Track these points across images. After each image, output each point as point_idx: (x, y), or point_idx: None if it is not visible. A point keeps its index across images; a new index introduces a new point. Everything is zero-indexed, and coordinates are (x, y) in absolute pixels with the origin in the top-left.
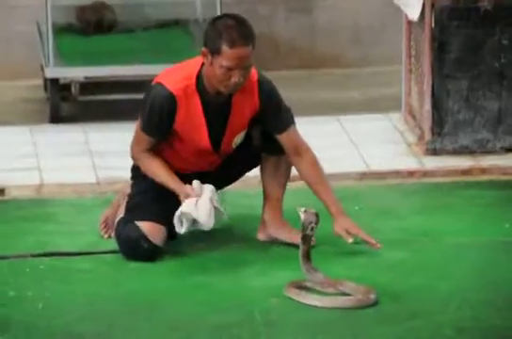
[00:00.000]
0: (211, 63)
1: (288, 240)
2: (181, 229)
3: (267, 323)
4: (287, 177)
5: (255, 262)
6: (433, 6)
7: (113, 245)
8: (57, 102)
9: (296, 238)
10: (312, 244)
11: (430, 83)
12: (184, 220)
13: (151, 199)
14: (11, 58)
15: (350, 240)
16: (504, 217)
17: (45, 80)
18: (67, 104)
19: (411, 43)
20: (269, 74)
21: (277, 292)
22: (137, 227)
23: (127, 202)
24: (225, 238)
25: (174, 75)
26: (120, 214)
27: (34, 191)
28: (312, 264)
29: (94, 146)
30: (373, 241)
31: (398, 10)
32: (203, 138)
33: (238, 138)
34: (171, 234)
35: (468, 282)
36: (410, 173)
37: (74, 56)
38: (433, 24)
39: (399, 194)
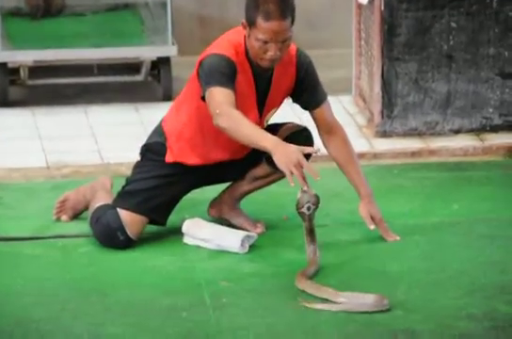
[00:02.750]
0: (249, 35)
1: (238, 225)
2: (244, 249)
3: (217, 306)
4: (264, 185)
5: None
6: None
7: (63, 229)
8: (6, 86)
9: (247, 224)
10: (313, 222)
11: (380, 66)
12: (246, 240)
13: (149, 187)
14: None
15: (372, 227)
16: (453, 198)
17: None
18: (16, 89)
19: (361, 26)
20: None
21: (227, 275)
22: (118, 217)
23: (122, 187)
24: (174, 220)
25: (222, 45)
26: (93, 204)
27: None
28: (316, 242)
29: (43, 130)
30: (390, 234)
31: None
32: (253, 109)
33: (270, 116)
34: (156, 222)
35: (417, 264)
36: (360, 155)
37: (23, 40)
38: (382, 7)
39: None
